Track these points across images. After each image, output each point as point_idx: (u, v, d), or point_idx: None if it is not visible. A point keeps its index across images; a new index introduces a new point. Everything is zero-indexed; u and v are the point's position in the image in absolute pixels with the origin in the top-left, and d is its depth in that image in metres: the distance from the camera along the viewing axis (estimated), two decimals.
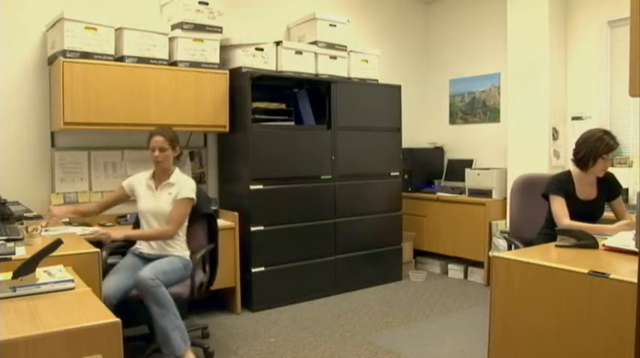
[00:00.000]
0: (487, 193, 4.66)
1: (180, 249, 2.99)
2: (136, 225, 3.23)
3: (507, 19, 4.65)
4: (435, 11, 5.67)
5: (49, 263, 1.81)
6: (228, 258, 3.70)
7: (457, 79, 5.45)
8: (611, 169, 3.03)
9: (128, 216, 3.59)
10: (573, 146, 2.90)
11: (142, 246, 3.02)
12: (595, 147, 2.77)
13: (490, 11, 5.06)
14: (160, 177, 3.03)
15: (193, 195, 2.97)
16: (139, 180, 3.09)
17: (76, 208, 3.15)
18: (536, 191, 3.22)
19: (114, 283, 2.70)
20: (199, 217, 3.09)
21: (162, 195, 2.98)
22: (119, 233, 2.86)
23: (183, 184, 2.97)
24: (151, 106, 3.54)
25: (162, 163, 2.98)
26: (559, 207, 2.78)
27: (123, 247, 3.27)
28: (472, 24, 5.28)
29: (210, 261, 3.11)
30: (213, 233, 3.14)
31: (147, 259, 2.97)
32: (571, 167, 2.96)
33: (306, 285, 4.12)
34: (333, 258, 4.29)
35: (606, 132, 2.84)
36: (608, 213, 3.00)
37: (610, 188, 2.94)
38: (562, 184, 2.85)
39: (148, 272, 2.71)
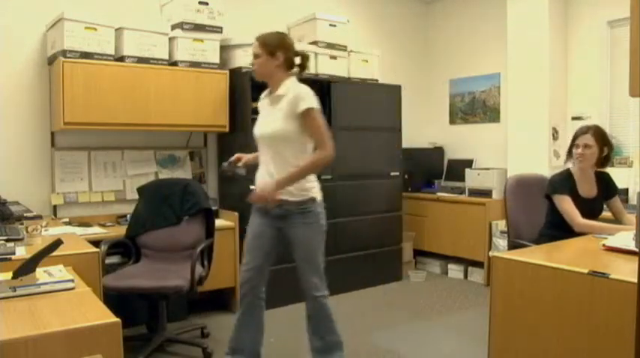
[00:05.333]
0: (487, 193, 4.66)
1: (315, 182, 2.50)
2: (133, 224, 3.24)
3: (507, 19, 4.65)
4: (435, 11, 5.66)
5: (49, 263, 1.81)
6: (228, 258, 3.71)
7: (457, 79, 5.45)
8: (611, 169, 3.04)
9: (128, 215, 3.58)
10: None
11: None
12: (573, 136, 2.96)
13: (490, 11, 5.06)
14: (272, 90, 2.54)
15: (315, 104, 2.39)
16: (263, 98, 2.58)
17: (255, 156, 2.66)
18: (529, 191, 3.24)
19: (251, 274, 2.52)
20: (197, 212, 3.10)
21: (274, 112, 2.46)
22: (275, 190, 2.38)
23: (297, 93, 2.41)
24: (151, 106, 3.54)
25: (258, 73, 2.53)
26: (569, 206, 2.78)
27: (122, 246, 3.29)
28: (472, 24, 5.28)
29: (207, 255, 3.16)
30: (210, 228, 3.16)
31: (282, 217, 2.46)
32: (570, 165, 2.99)
33: None
34: (333, 258, 4.28)
35: (586, 125, 3.00)
36: (605, 213, 3.01)
37: (608, 186, 2.98)
38: (564, 182, 2.87)
39: (310, 273, 2.49)
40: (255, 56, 2.50)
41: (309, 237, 2.47)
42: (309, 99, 2.39)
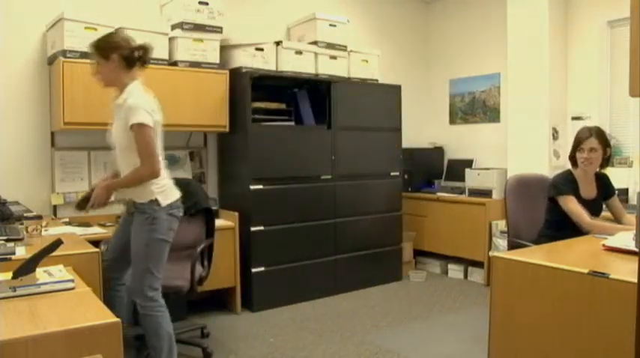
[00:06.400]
0: (487, 193, 4.66)
1: (163, 186, 2.47)
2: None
3: (507, 19, 4.65)
4: (435, 11, 5.67)
5: (49, 263, 1.81)
6: (228, 257, 3.71)
7: (457, 79, 5.45)
8: (611, 169, 3.05)
9: None
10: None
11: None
12: (575, 140, 2.93)
13: (490, 11, 5.06)
14: (116, 95, 2.47)
15: (142, 119, 2.32)
16: (112, 102, 2.53)
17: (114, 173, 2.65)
18: (530, 191, 3.24)
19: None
20: (197, 212, 3.09)
21: (117, 121, 2.43)
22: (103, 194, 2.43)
23: (128, 106, 2.35)
24: None
25: (102, 81, 2.48)
26: (575, 206, 2.78)
27: None
28: (472, 24, 5.28)
29: (207, 255, 3.15)
30: (211, 228, 3.16)
31: (132, 214, 2.53)
32: (571, 167, 2.99)
33: (306, 285, 4.12)
34: (333, 258, 4.29)
35: (587, 127, 2.96)
36: (605, 213, 3.02)
37: (606, 187, 3.00)
38: (568, 183, 2.87)
39: (135, 275, 2.46)
40: (94, 65, 2.46)
41: (139, 239, 2.45)
42: (137, 113, 2.33)
